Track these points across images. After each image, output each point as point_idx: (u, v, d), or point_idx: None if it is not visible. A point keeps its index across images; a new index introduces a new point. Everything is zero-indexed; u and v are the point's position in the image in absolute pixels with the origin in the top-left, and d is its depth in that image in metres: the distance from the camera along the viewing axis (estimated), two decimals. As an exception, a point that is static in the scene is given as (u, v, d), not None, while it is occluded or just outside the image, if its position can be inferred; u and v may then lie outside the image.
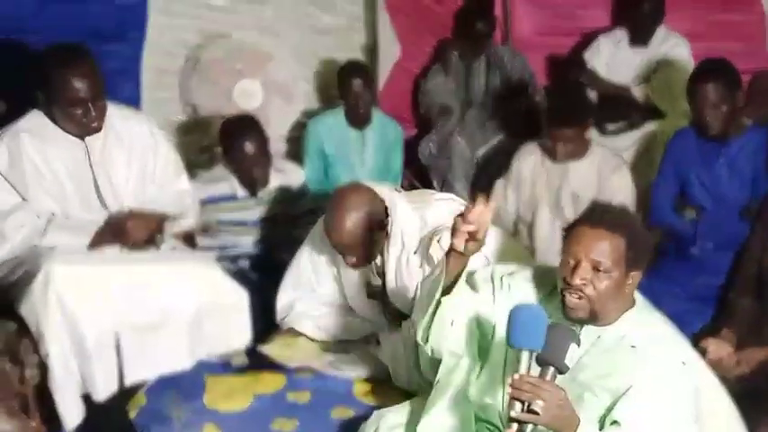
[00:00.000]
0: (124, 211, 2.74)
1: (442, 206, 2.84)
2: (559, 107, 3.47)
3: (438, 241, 2.64)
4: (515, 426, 1.76)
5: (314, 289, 2.89)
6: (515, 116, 4.37)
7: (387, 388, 2.83)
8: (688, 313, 2.71)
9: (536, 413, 1.74)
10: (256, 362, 2.96)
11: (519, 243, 3.38)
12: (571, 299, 1.95)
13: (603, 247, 1.93)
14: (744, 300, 2.76)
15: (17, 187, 2.63)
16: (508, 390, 1.76)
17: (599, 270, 1.93)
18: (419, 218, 2.76)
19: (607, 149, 3.57)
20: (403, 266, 2.74)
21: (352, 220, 2.58)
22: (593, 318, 1.97)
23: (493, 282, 2.17)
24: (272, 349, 2.74)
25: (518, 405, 1.75)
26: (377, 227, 2.64)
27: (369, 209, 2.62)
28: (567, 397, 1.79)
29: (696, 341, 2.40)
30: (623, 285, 1.97)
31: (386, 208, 2.67)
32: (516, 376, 1.76)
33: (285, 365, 2.73)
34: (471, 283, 2.16)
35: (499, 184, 3.66)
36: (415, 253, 2.69)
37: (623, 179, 3.43)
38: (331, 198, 2.70)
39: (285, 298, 2.91)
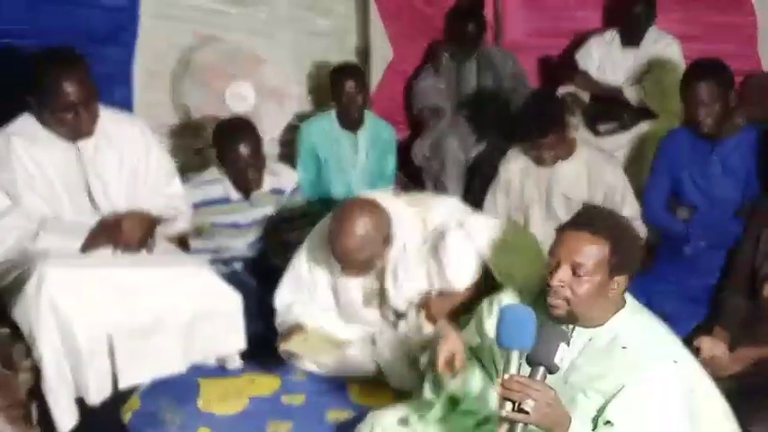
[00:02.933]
0: (119, 212, 2.73)
1: (441, 207, 2.85)
2: (532, 119, 3.45)
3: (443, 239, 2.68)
4: (506, 425, 1.77)
5: (311, 293, 2.88)
6: (507, 117, 4.38)
7: (381, 389, 2.84)
8: (681, 312, 2.72)
9: (526, 412, 1.74)
10: (250, 365, 2.97)
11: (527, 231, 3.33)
12: (551, 299, 1.97)
13: (584, 251, 1.94)
14: (737, 299, 2.76)
15: (8, 190, 2.62)
16: (498, 389, 1.77)
17: (578, 274, 1.93)
18: (421, 221, 2.77)
19: (593, 147, 3.58)
20: (402, 270, 2.74)
21: (360, 241, 2.60)
22: (573, 319, 1.97)
23: (482, 313, 2.20)
24: (296, 346, 2.73)
25: (508, 405, 1.76)
26: (382, 241, 2.66)
27: (375, 228, 2.63)
28: (557, 396, 1.80)
29: (690, 340, 2.40)
30: (606, 290, 1.97)
31: (389, 219, 2.68)
32: (506, 376, 1.77)
33: (315, 362, 2.77)
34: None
35: (491, 191, 3.66)
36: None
37: (616, 174, 3.43)
38: (336, 215, 2.69)
39: (283, 300, 2.91)
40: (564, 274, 1.94)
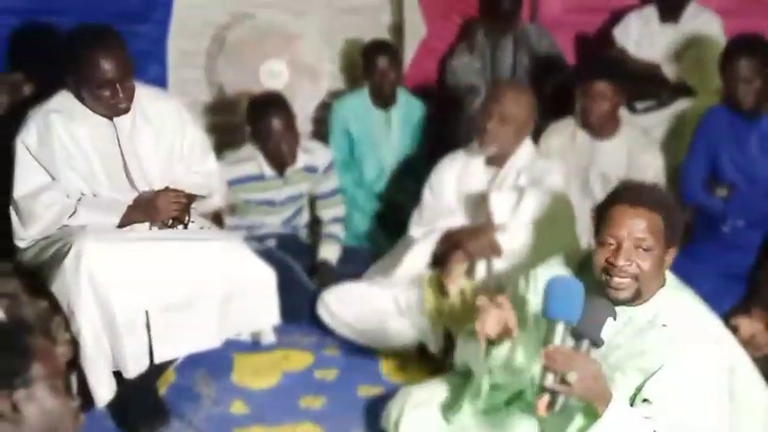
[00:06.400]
0: (155, 189, 2.76)
1: (550, 166, 3.10)
2: (595, 63, 3.46)
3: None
4: (547, 396, 1.75)
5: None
6: (542, 95, 4.33)
7: (413, 366, 2.85)
8: (718, 291, 2.67)
9: (569, 384, 1.73)
10: (284, 340, 3.00)
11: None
12: (618, 279, 1.93)
13: (644, 226, 1.93)
14: (775, 278, 2.72)
15: (47, 167, 2.64)
16: (542, 360, 1.76)
17: (642, 248, 1.92)
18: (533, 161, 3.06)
19: (637, 128, 3.53)
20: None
21: (519, 92, 3.01)
22: (637, 297, 1.95)
23: (521, 287, 2.18)
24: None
25: (551, 376, 1.74)
26: (529, 115, 3.00)
27: (531, 97, 3.04)
28: (600, 371, 1.79)
29: (726, 319, 2.37)
30: (663, 262, 1.97)
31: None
32: (551, 347, 1.75)
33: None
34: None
35: None
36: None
37: (654, 158, 3.39)
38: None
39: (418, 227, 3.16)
40: (629, 251, 1.92)
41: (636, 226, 1.93)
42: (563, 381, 1.73)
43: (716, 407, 1.88)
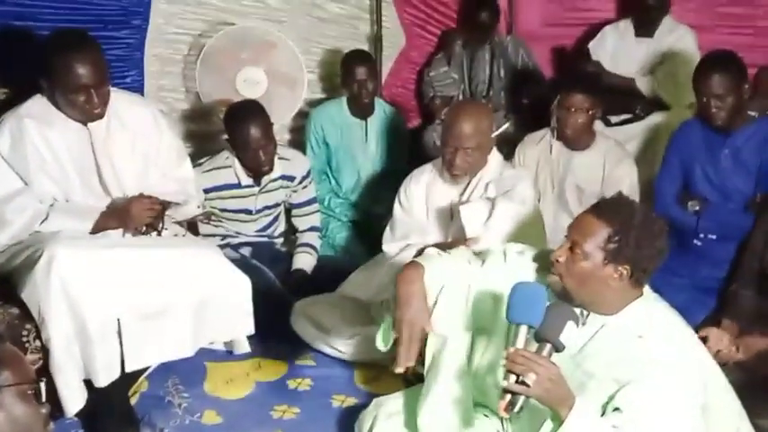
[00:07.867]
0: (129, 195, 2.74)
1: (519, 174, 3.09)
2: (572, 75, 3.50)
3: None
4: (508, 397, 1.80)
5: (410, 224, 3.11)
6: (519, 106, 4.37)
7: (386, 376, 2.85)
8: (690, 304, 2.70)
9: (527, 386, 1.77)
10: (258, 349, 2.98)
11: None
12: (552, 272, 2.01)
13: (585, 231, 1.96)
14: (746, 292, 2.75)
15: (19, 172, 2.62)
16: (503, 362, 1.80)
17: (575, 252, 1.96)
18: (501, 172, 3.04)
19: (612, 141, 3.56)
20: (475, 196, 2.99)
21: (475, 120, 2.90)
22: (569, 297, 1.98)
23: (505, 255, 2.20)
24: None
25: (512, 377, 1.79)
26: (487, 140, 2.95)
27: (488, 120, 2.99)
28: (561, 374, 1.82)
29: (696, 331, 2.39)
30: (603, 276, 1.94)
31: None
32: (512, 349, 1.80)
33: None
34: (482, 258, 2.21)
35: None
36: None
37: (629, 170, 3.42)
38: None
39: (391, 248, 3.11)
40: (562, 250, 1.98)
41: (578, 228, 1.98)
42: (522, 382, 1.77)
43: (686, 420, 1.88)
